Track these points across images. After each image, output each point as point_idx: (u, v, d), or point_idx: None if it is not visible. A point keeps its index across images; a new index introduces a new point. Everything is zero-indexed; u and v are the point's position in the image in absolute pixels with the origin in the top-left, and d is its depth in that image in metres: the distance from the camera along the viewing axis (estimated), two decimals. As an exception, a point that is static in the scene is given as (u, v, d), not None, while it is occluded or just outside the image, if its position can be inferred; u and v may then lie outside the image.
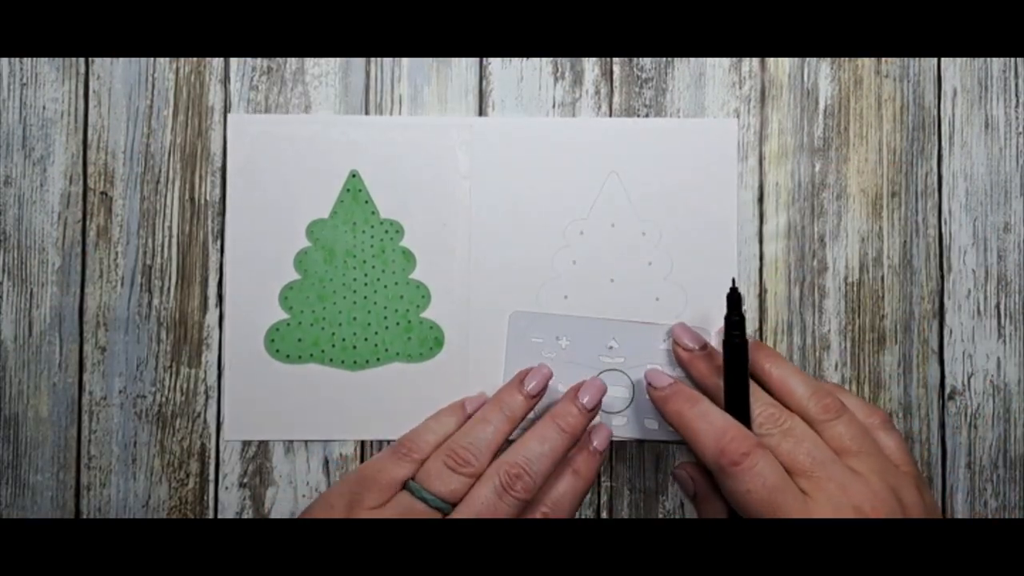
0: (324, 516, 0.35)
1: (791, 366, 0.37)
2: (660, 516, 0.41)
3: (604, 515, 0.41)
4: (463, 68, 0.41)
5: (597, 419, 0.40)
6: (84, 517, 0.40)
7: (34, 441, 0.40)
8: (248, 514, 0.40)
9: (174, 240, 0.40)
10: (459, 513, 0.35)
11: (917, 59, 0.42)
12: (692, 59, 0.41)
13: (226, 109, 0.41)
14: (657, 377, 0.38)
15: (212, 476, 0.40)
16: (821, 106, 0.42)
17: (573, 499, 0.37)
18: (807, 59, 0.42)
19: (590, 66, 0.41)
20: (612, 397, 0.40)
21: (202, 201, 0.40)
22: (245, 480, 0.40)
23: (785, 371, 0.37)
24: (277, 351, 0.40)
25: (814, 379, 0.37)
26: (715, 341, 0.39)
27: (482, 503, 0.34)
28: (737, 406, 0.35)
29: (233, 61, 0.41)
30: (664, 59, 0.41)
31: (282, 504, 0.40)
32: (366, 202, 0.40)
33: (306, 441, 0.40)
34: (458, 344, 0.40)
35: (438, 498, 0.35)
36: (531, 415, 0.38)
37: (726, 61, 0.42)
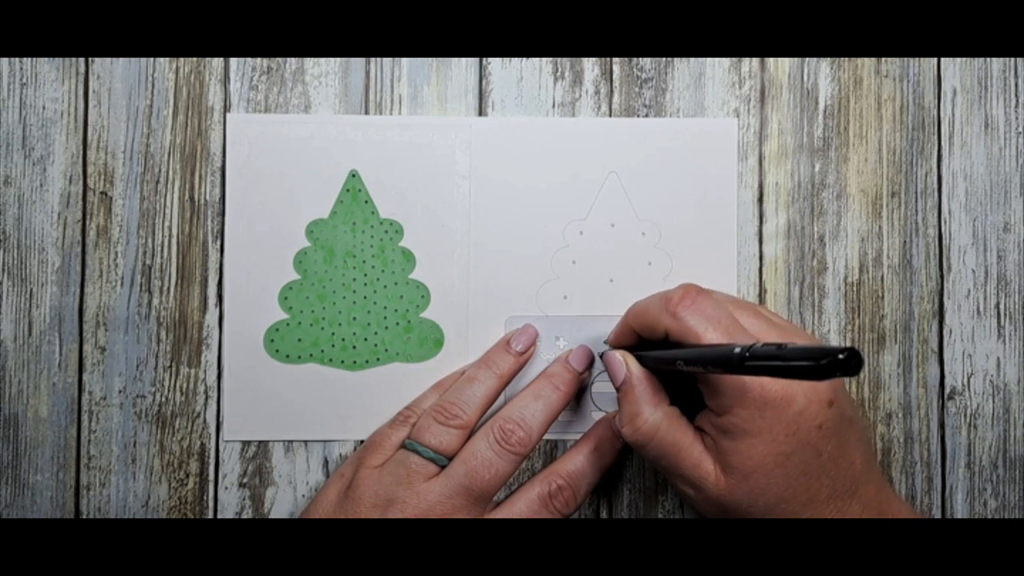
0: (336, 485, 0.37)
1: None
2: (660, 516, 0.41)
3: (603, 515, 0.41)
4: (463, 68, 0.41)
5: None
6: (84, 517, 0.40)
7: (34, 441, 0.40)
8: (248, 514, 0.40)
9: (174, 240, 0.40)
10: (455, 465, 0.36)
11: (917, 59, 0.42)
12: (692, 59, 0.41)
13: (226, 109, 0.41)
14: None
15: (212, 476, 0.40)
16: (821, 106, 0.42)
17: (592, 478, 0.38)
18: (807, 59, 0.42)
19: (590, 66, 0.41)
20: (612, 394, 0.40)
21: (202, 201, 0.40)
22: (245, 480, 0.40)
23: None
24: (277, 351, 0.40)
25: None
26: None
27: (479, 458, 0.36)
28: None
29: (233, 61, 0.41)
30: (664, 59, 0.41)
31: (282, 504, 0.40)
32: (366, 202, 0.40)
33: (306, 441, 0.40)
34: (458, 344, 0.40)
35: (430, 449, 0.36)
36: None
37: (726, 61, 0.42)
